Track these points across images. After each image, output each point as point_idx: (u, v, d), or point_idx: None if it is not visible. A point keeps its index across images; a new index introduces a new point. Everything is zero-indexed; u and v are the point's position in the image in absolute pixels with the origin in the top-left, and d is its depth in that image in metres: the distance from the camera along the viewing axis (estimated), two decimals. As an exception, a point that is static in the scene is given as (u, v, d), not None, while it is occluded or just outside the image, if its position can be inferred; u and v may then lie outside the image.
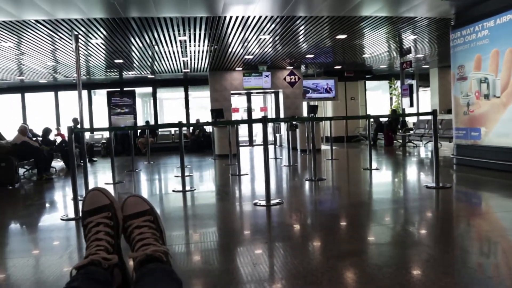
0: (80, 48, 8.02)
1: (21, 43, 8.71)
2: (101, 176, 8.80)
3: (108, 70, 13.39)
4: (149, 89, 16.76)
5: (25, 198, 6.67)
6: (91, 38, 8.62)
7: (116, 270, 1.14)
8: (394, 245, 3.21)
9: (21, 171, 8.46)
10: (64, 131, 12.11)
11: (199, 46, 10.08)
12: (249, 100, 16.07)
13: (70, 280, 1.01)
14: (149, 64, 12.42)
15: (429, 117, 10.76)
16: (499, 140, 6.51)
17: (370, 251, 3.07)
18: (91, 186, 6.42)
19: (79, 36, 7.89)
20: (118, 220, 1.25)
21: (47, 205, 5.82)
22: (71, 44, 8.73)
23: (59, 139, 11.44)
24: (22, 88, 15.63)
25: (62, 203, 5.87)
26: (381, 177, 7.00)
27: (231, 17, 7.65)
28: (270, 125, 14.34)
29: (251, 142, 16.07)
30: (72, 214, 4.51)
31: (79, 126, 6.40)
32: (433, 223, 3.93)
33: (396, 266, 2.66)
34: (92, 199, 1.26)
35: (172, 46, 9.93)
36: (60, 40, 8.61)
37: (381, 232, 3.52)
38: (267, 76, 14.57)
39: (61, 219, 4.43)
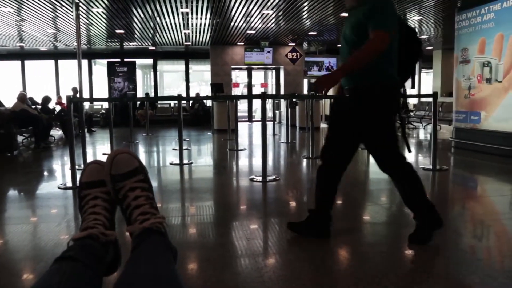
0: (81, 17, 7.88)
1: (21, 9, 8.57)
2: (100, 146, 8.81)
3: (109, 40, 13.23)
4: (149, 61, 16.61)
5: (24, 165, 6.69)
6: (92, 7, 8.49)
7: (111, 246, 1.14)
8: (388, 225, 3.25)
9: (20, 138, 8.46)
10: (65, 100, 12.06)
11: (201, 19, 9.94)
12: (249, 76, 15.95)
13: (67, 249, 1.02)
14: (150, 35, 12.27)
15: (430, 99, 10.71)
16: (498, 124, 6.50)
17: (364, 229, 3.10)
18: (89, 156, 6.45)
19: (80, 4, 7.76)
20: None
21: (45, 173, 5.85)
22: (72, 12, 8.60)
23: (58, 108, 11.40)
24: (22, 55, 15.46)
25: (60, 172, 5.89)
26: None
27: (234, -10, 7.53)
28: (269, 102, 14.27)
29: (250, 118, 16.03)
30: (69, 183, 4.54)
31: (78, 95, 6.35)
32: (428, 205, 3.96)
33: (388, 245, 2.70)
34: (91, 172, 1.24)
35: (174, 18, 9.79)
36: (61, 8, 8.47)
37: (375, 212, 3.55)
38: (268, 52, 14.42)
39: (59, 188, 4.46)
